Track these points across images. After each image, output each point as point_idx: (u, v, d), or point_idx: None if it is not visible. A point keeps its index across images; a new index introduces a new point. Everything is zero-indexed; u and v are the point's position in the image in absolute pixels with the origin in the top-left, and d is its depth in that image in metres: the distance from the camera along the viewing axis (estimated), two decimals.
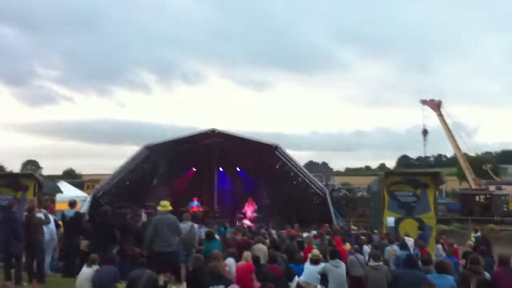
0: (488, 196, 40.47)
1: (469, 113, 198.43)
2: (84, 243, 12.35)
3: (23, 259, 10.55)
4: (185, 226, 11.87)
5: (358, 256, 11.57)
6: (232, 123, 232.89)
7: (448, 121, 45.49)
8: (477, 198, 41.04)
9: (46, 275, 10.88)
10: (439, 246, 15.83)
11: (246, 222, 25.23)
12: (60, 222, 12.43)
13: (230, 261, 10.91)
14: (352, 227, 20.92)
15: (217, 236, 13.70)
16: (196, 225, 12.36)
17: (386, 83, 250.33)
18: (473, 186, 43.83)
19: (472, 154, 51.64)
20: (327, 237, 15.01)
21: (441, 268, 8.43)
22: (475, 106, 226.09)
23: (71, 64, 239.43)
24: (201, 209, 27.58)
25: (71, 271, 11.09)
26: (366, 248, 13.37)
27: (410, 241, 14.08)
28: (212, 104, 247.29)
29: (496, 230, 31.35)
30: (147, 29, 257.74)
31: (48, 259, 11.44)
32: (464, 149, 47.20)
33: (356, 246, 12.84)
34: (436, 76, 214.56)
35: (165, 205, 10.62)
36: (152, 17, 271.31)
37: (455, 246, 14.80)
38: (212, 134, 24.99)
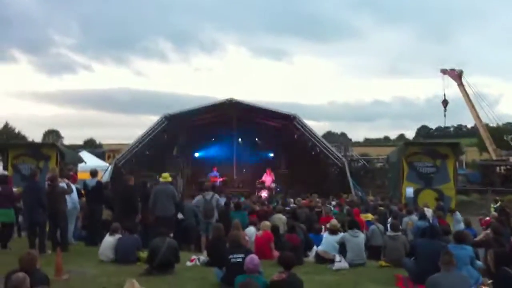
0: (508, 167, 40.01)
1: (491, 83, 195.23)
2: (106, 213, 12.57)
3: (47, 228, 10.80)
4: (206, 196, 12.21)
5: (378, 225, 11.65)
6: (249, 93, 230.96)
7: (469, 91, 44.65)
8: (497, 169, 40.54)
9: (69, 243, 11.11)
10: (457, 213, 15.83)
11: (264, 192, 25.41)
12: (82, 192, 12.60)
13: (251, 230, 11.06)
14: (370, 197, 20.86)
15: None
16: (217, 195, 12.60)
17: (405, 52, 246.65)
18: (494, 157, 43.28)
19: (493, 124, 50.84)
20: (346, 207, 15.05)
21: (460, 238, 8.45)
22: (498, 76, 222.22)
23: (88, 32, 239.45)
24: (220, 179, 27.82)
25: (94, 240, 11.32)
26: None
27: (428, 211, 14.07)
28: (229, 73, 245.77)
29: None
30: None
31: (71, 228, 11.66)
32: (485, 120, 46.41)
33: (376, 216, 12.90)
34: (457, 45, 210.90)
35: (166, 176, 12.16)
36: None
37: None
38: (230, 104, 24.98)
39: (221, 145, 31.04)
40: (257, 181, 27.84)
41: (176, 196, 11.90)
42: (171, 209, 11.51)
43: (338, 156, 25.65)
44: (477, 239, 10.03)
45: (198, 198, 12.85)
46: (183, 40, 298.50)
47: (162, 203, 11.38)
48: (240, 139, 30.50)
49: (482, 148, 52.31)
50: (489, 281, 7.03)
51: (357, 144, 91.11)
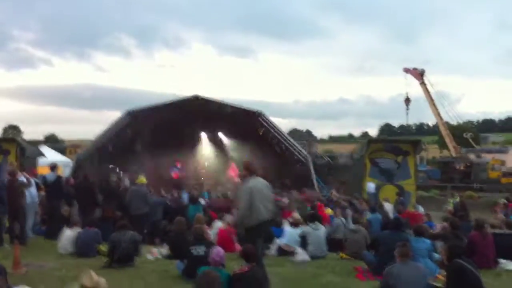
0: (467, 164, 40.95)
1: (453, 83, 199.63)
2: (65, 209, 12.37)
3: (6, 223, 10.56)
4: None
5: (342, 219, 11.78)
6: (215, 90, 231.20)
7: (431, 89, 45.43)
8: (457, 165, 41.46)
9: (28, 237, 10.91)
10: (419, 206, 16.28)
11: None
12: (41, 186, 12.40)
13: (218, 224, 11.16)
14: (334, 193, 21.04)
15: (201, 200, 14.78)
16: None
17: (371, 51, 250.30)
18: (453, 154, 44.21)
19: (454, 123, 51.91)
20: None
21: (419, 232, 8.64)
22: (460, 76, 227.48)
23: (49, 27, 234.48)
24: (184, 174, 27.67)
25: (54, 235, 11.15)
26: (349, 213, 13.55)
27: (389, 206, 14.32)
28: (193, 70, 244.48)
29: (474, 197, 31.83)
30: None
31: (30, 222, 11.44)
32: (446, 118, 47.28)
33: (338, 209, 13.05)
34: (422, 45, 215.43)
35: (141, 179, 13.33)
36: None
37: None
38: (196, 100, 24.86)
39: (185, 141, 30.82)
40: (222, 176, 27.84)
41: (148, 197, 12.91)
42: (143, 208, 12.45)
43: (302, 153, 25.82)
44: (434, 231, 10.26)
45: None
46: (147, 37, 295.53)
47: (136, 202, 12.45)
48: (205, 135, 30.44)
49: (443, 145, 53.28)
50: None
51: (322, 141, 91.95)
